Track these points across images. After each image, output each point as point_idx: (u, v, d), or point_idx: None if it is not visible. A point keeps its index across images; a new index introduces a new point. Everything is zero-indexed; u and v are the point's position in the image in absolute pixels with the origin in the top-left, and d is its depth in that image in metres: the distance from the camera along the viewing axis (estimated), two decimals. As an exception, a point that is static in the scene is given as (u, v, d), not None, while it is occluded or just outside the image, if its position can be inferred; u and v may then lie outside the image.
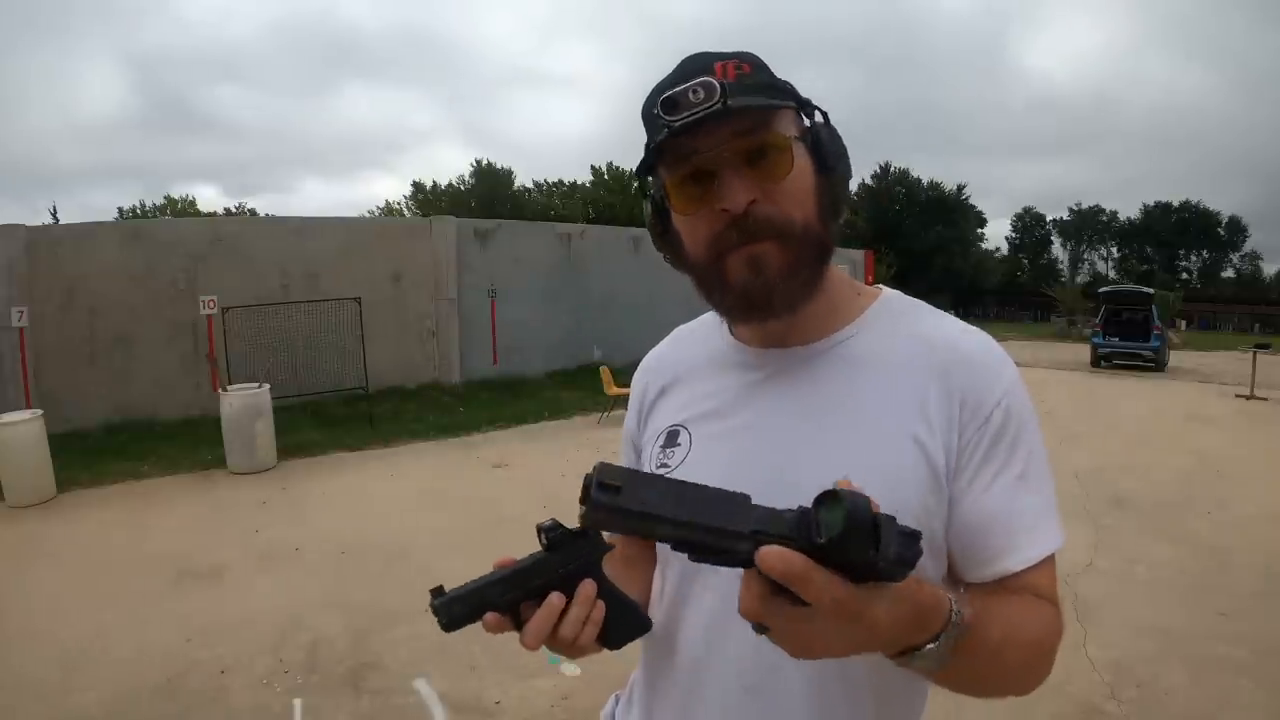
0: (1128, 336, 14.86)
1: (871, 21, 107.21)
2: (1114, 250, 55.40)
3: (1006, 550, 0.65)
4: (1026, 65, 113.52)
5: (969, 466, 0.66)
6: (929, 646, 0.51)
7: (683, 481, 0.47)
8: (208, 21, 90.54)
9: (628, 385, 0.92)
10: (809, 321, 0.73)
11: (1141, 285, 19.29)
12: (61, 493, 5.76)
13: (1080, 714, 2.63)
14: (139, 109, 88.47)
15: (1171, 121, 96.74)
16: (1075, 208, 56.40)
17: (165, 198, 41.77)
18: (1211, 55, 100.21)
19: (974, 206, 48.85)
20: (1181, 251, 52.45)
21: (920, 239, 43.71)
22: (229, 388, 6.71)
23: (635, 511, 0.45)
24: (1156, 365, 14.46)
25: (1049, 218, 57.70)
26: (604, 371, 8.88)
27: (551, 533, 0.61)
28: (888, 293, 0.78)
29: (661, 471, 0.76)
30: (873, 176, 47.33)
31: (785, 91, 0.68)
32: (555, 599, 0.61)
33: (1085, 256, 56.34)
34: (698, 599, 0.72)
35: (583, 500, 0.46)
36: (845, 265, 10.47)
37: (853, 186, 0.77)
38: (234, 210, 40.93)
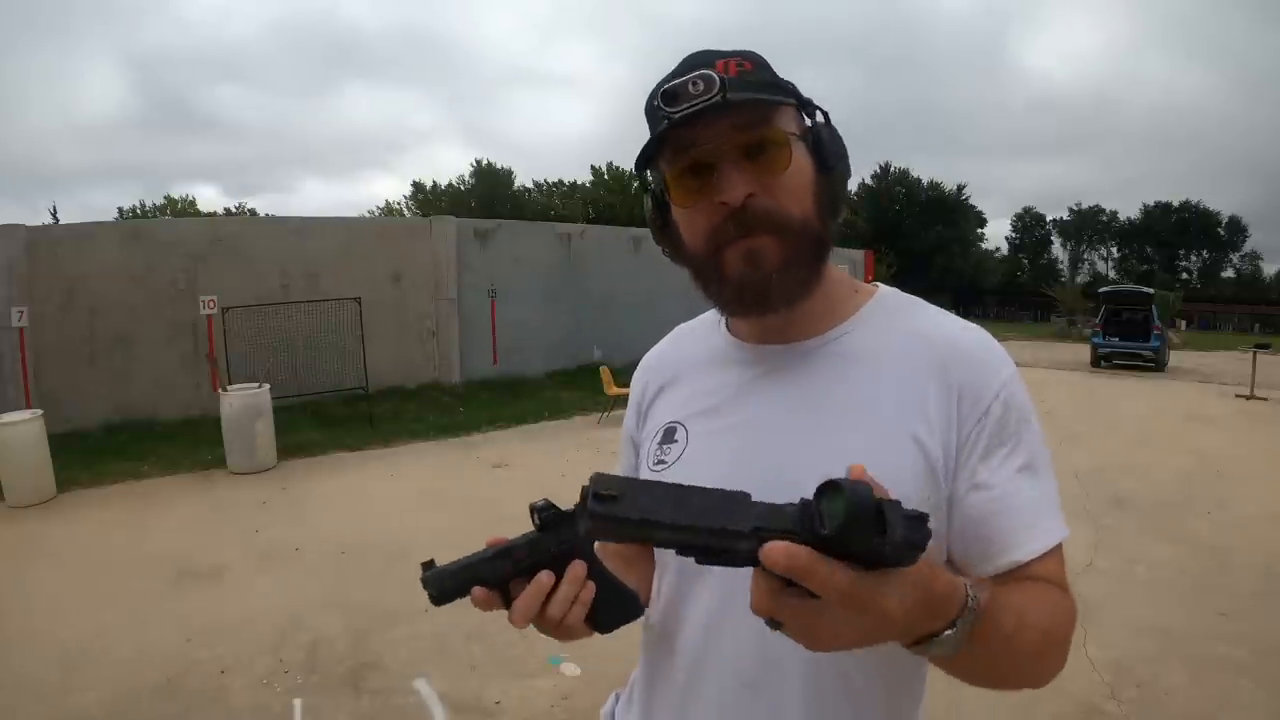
0: (1128, 336, 14.86)
1: (871, 21, 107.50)
2: (1114, 250, 55.43)
3: (1015, 541, 0.65)
4: (1026, 65, 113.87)
5: (970, 460, 0.66)
6: (946, 633, 0.50)
7: (681, 485, 0.46)
8: (208, 21, 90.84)
9: (628, 385, 0.92)
10: (806, 318, 0.73)
11: (1141, 285, 19.28)
12: (61, 493, 5.75)
13: (1080, 714, 2.63)
14: (139, 109, 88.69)
15: (1171, 121, 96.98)
16: (1075, 208, 56.51)
17: (165, 198, 41.91)
18: (1211, 55, 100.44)
19: (974, 206, 48.98)
20: (1181, 251, 52.45)
21: (920, 239, 43.73)
22: (229, 388, 6.71)
23: (634, 519, 0.44)
24: (1156, 365, 14.46)
25: (1049, 218, 57.85)
26: (604, 371, 8.88)
27: (544, 512, 0.61)
28: (884, 289, 0.78)
29: (658, 468, 0.76)
30: (873, 176, 47.38)
31: (786, 90, 0.69)
32: (544, 577, 0.61)
33: (1085, 256, 56.43)
34: (696, 597, 0.73)
35: (581, 512, 0.45)
36: (845, 265, 10.48)
37: (853, 186, 0.78)
38: (234, 210, 40.97)
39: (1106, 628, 3.24)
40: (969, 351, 0.70)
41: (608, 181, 36.66)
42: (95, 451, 6.86)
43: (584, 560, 0.62)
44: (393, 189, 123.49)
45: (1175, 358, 15.79)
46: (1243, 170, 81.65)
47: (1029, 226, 57.63)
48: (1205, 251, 52.54)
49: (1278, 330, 30.42)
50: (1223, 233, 51.59)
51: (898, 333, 0.72)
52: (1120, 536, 4.51)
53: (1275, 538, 4.44)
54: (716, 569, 0.47)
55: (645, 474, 0.78)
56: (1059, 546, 0.66)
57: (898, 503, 0.43)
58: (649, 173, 0.74)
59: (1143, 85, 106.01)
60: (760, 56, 0.69)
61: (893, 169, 48.03)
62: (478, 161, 43.39)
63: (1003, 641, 0.55)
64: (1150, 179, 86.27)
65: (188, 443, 7.16)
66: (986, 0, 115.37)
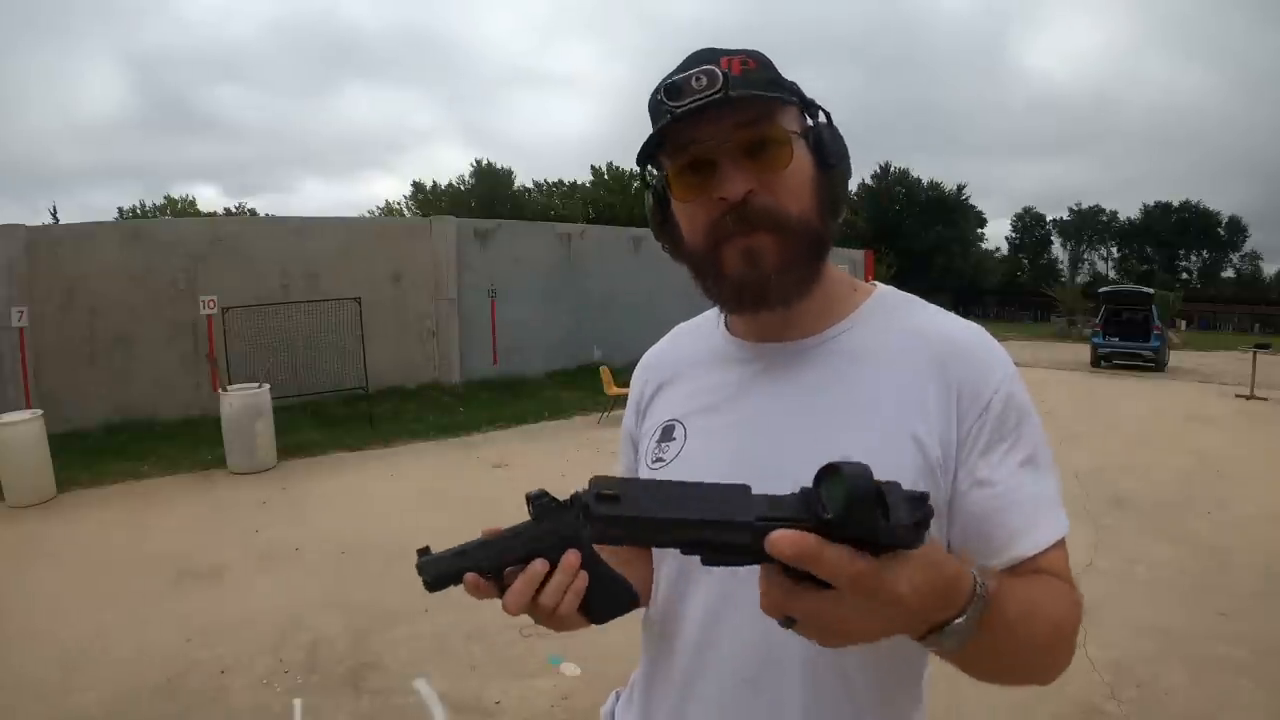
0: (1128, 336, 14.86)
1: (871, 21, 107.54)
2: (1114, 250, 55.43)
3: (1018, 536, 0.64)
4: (1026, 65, 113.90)
5: (971, 457, 0.66)
6: (956, 621, 0.49)
7: (681, 482, 0.46)
8: (208, 21, 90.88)
9: (628, 385, 0.92)
10: (805, 316, 0.73)
11: (1141, 285, 19.28)
12: (61, 493, 5.75)
13: (1080, 714, 2.63)
14: (139, 109, 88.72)
15: (1171, 121, 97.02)
16: (1075, 208, 56.52)
17: (165, 198, 41.94)
18: (1211, 55, 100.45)
19: (974, 206, 48.98)
20: (1181, 251, 52.46)
21: (920, 239, 43.73)
22: (229, 388, 6.71)
23: (636, 518, 0.44)
24: (1156, 365, 14.46)
25: (1049, 218, 57.88)
26: (604, 371, 8.88)
27: (539, 501, 0.61)
28: (883, 288, 0.79)
29: (657, 466, 0.76)
30: (873, 176, 47.40)
31: (789, 89, 0.69)
32: (538, 565, 0.61)
33: (1085, 256, 56.44)
34: (694, 596, 0.72)
35: (581, 515, 0.45)
36: (845, 265, 10.48)
37: (853, 186, 0.78)
38: (234, 210, 40.98)
39: (1106, 628, 3.24)
40: (967, 349, 0.70)
41: (608, 181, 36.64)
42: (95, 451, 6.86)
43: (578, 549, 0.62)
44: (393, 189, 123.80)
45: (1175, 358, 15.79)
46: (1243, 170, 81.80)
47: (1029, 226, 57.65)
48: (1205, 251, 52.55)
49: (1278, 330, 30.42)
50: (1223, 233, 51.59)
51: (896, 331, 0.72)
52: (1120, 536, 4.51)
53: (1275, 538, 4.44)
54: (715, 568, 0.46)
55: (644, 472, 0.79)
56: (1063, 540, 0.66)
57: (897, 484, 0.43)
58: (650, 168, 0.74)
59: (1143, 85, 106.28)
60: (765, 56, 0.69)
61: (893, 169, 48.06)
62: (478, 161, 43.51)
63: (1008, 631, 0.55)
64: (1150, 179, 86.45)
65: (188, 443, 7.16)
66: (986, 0, 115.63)
